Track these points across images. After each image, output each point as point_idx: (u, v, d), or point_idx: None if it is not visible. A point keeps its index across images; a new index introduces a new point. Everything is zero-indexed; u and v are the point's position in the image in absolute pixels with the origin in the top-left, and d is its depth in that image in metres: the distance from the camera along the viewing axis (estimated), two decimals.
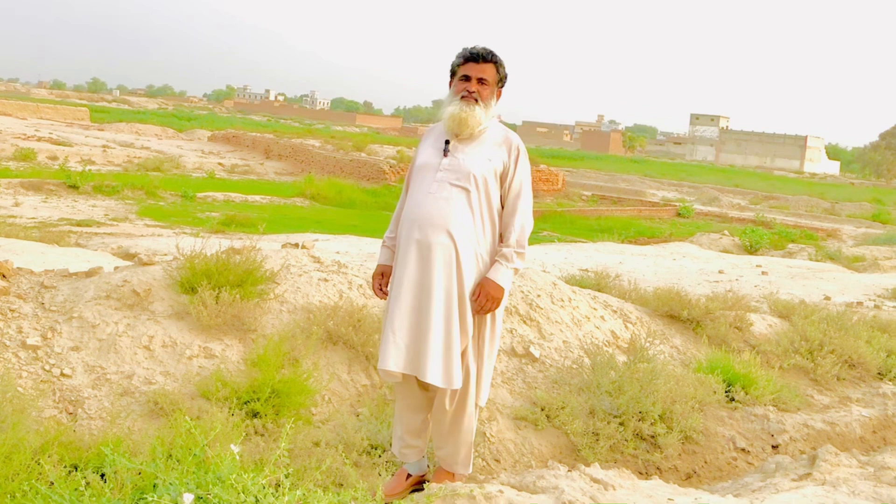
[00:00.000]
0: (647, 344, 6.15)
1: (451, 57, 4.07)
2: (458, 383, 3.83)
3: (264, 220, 14.83)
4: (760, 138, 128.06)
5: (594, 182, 47.89)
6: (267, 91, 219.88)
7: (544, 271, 8.38)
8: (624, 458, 5.27)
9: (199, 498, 2.68)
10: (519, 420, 5.39)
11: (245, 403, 4.74)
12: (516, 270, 3.95)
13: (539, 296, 6.76)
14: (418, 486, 4.14)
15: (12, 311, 5.23)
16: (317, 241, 11.96)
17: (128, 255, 12.43)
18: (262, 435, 4.59)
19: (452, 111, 3.90)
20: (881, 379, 7.21)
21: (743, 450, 5.76)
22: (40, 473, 3.31)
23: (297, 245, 7.23)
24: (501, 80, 4.05)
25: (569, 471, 3.83)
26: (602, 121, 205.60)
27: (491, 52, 3.98)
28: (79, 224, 18.22)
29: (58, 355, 4.97)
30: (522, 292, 6.71)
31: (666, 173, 63.64)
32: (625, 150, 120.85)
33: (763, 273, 15.16)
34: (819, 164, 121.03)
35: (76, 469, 3.47)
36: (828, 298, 11.41)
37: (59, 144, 35.25)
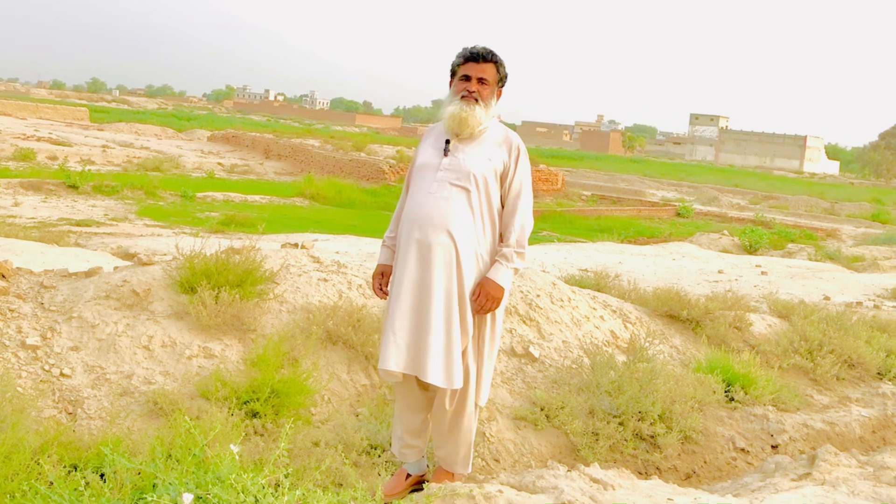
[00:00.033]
0: (647, 344, 6.15)
1: (450, 57, 4.07)
2: (458, 383, 3.83)
3: (264, 220, 14.82)
4: (760, 138, 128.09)
5: (594, 182, 47.89)
6: (266, 91, 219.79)
7: (544, 271, 8.39)
8: (623, 458, 5.27)
9: (198, 498, 2.68)
10: (518, 420, 5.39)
11: (244, 403, 4.74)
12: (516, 270, 3.95)
13: (538, 296, 6.76)
14: (418, 486, 4.13)
15: (12, 310, 5.23)
16: (316, 241, 11.97)
17: (127, 255, 12.43)
18: (262, 435, 4.59)
19: (452, 111, 3.90)
20: (881, 379, 7.21)
21: (742, 450, 5.76)
22: (40, 473, 3.31)
23: (296, 245, 7.23)
24: (502, 80, 4.05)
25: (568, 471, 3.83)
26: (601, 121, 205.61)
27: (491, 51, 3.98)
28: (78, 224, 18.22)
29: (57, 355, 4.97)
30: (522, 292, 6.71)
31: (665, 173, 63.64)
32: (624, 150, 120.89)
33: (762, 273, 15.17)
34: (818, 164, 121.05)
35: (76, 469, 3.47)
36: (827, 298, 11.41)
37: (59, 144, 35.25)
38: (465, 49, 4.00)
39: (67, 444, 3.72)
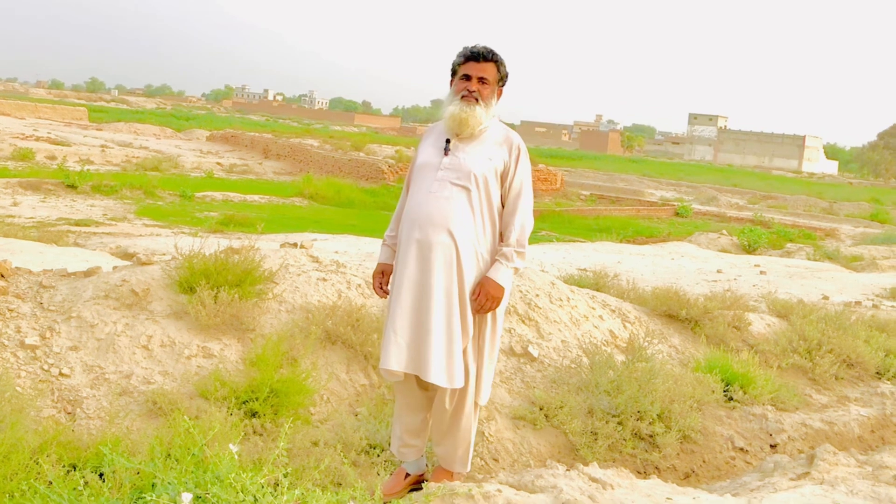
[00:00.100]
0: (646, 343, 6.16)
1: (449, 57, 4.07)
2: (459, 382, 3.83)
3: (263, 220, 14.85)
4: (759, 138, 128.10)
5: (592, 182, 47.91)
6: (265, 91, 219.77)
7: (543, 271, 8.39)
8: (622, 458, 5.28)
9: (197, 497, 2.68)
10: (517, 419, 5.40)
11: (244, 403, 4.74)
12: (516, 270, 3.96)
13: (538, 295, 6.76)
14: (417, 485, 4.14)
15: (11, 310, 5.23)
16: (315, 240, 11.97)
17: (126, 255, 12.43)
18: (261, 434, 4.59)
19: (453, 111, 3.90)
20: (879, 378, 7.22)
21: (741, 449, 5.77)
22: (39, 473, 3.31)
23: (295, 245, 7.23)
24: (502, 79, 4.05)
25: (567, 470, 3.84)
26: (600, 121, 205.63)
27: (491, 50, 3.98)
28: (77, 224, 18.22)
29: (56, 355, 4.96)
30: (521, 292, 6.71)
31: (664, 173, 63.66)
32: (623, 149, 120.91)
33: (761, 272, 15.18)
34: (817, 164, 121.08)
35: (75, 469, 3.47)
36: (826, 298, 11.42)
37: (58, 144, 35.24)
38: (465, 48, 4.00)
39: (66, 443, 3.72)
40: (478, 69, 3.95)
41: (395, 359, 3.82)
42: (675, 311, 7.42)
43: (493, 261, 3.92)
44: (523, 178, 3.98)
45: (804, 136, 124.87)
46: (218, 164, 37.03)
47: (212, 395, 4.71)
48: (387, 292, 4.09)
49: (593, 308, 7.07)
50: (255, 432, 4.59)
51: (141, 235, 16.90)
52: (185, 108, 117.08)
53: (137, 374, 4.98)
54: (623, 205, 36.23)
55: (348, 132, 76.91)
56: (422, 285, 3.82)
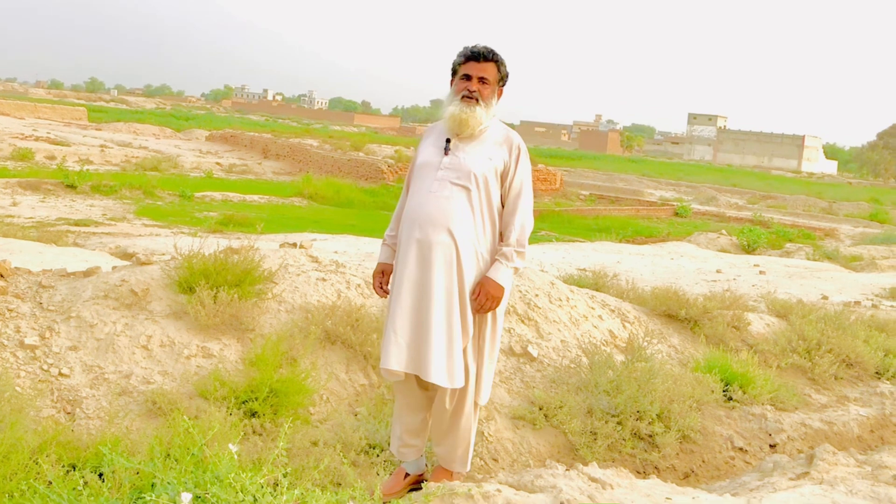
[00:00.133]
0: (645, 343, 6.16)
1: (449, 57, 4.07)
2: (459, 382, 3.83)
3: (262, 220, 14.84)
4: (758, 138, 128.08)
5: (592, 182, 47.92)
6: (265, 91, 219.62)
7: (542, 271, 8.39)
8: (622, 458, 5.28)
9: (197, 497, 2.68)
10: (517, 419, 5.40)
11: (243, 403, 4.74)
12: (516, 269, 3.96)
13: (537, 295, 6.76)
14: (416, 485, 4.14)
15: (10, 310, 5.23)
16: (315, 240, 11.97)
17: (126, 255, 12.43)
18: (261, 434, 4.59)
19: (453, 111, 3.90)
20: (879, 378, 7.22)
21: (741, 449, 5.77)
22: (38, 473, 3.31)
23: (295, 245, 7.23)
24: (503, 79, 4.05)
25: (567, 470, 3.84)
26: (600, 120, 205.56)
27: (492, 50, 3.98)
28: (76, 224, 18.21)
29: (56, 355, 4.96)
30: (520, 292, 6.72)
31: (664, 173, 63.67)
32: (622, 149, 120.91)
33: (761, 272, 15.19)
34: (817, 164, 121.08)
35: (74, 468, 3.47)
36: (825, 298, 11.43)
37: (57, 144, 35.24)
38: (465, 48, 4.00)
39: (66, 443, 3.72)
40: (478, 69, 3.95)
41: (395, 359, 3.82)
42: (674, 311, 7.42)
43: (493, 260, 3.92)
44: (523, 178, 3.98)
45: (803, 136, 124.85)
46: (217, 164, 37.03)
47: (211, 395, 4.71)
48: (387, 292, 4.10)
49: (593, 308, 7.07)
50: (254, 432, 4.59)
51: (140, 235, 16.90)
52: (184, 108, 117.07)
53: (137, 374, 4.98)
54: (622, 205, 36.23)
55: (348, 132, 76.89)
56: (422, 285, 3.82)
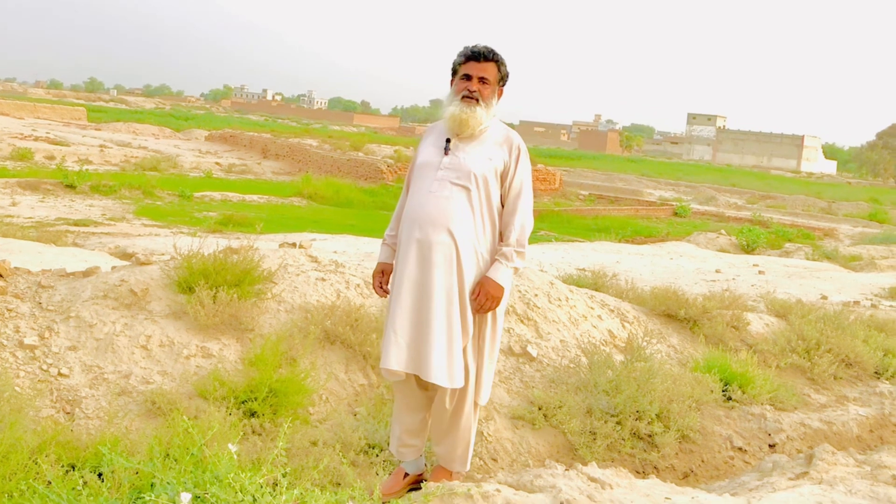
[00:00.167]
0: (644, 343, 6.16)
1: (448, 56, 4.07)
2: (459, 382, 3.83)
3: (261, 220, 14.85)
4: (757, 138, 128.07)
5: (591, 181, 47.93)
6: (264, 91, 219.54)
7: (541, 270, 8.40)
8: (621, 458, 5.28)
9: (196, 497, 2.68)
10: (516, 419, 5.40)
11: (242, 403, 4.74)
12: (516, 269, 3.96)
13: (536, 295, 6.77)
14: (416, 485, 4.14)
15: (9, 310, 5.23)
16: (314, 240, 11.97)
17: (125, 255, 12.42)
18: (260, 434, 4.59)
19: (453, 111, 3.90)
20: (878, 378, 7.22)
21: (740, 449, 5.77)
22: (38, 473, 3.31)
23: (294, 245, 7.22)
24: (503, 79, 4.05)
25: (566, 470, 3.84)
26: (599, 120, 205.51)
27: (492, 50, 3.98)
28: (76, 224, 18.21)
29: (55, 355, 4.96)
30: (520, 291, 6.72)
31: (663, 173, 63.67)
32: (622, 149, 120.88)
33: (760, 272, 15.19)
34: (816, 164, 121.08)
35: (74, 468, 3.47)
36: (825, 298, 11.43)
37: (57, 144, 35.24)
38: (466, 48, 4.00)
39: (65, 443, 3.72)
40: (478, 69, 3.94)
41: (395, 358, 3.82)
42: (673, 311, 7.43)
43: (492, 260, 3.92)
44: (523, 178, 3.98)
45: (803, 136, 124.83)
46: (217, 163, 37.03)
47: (210, 395, 4.71)
48: (387, 291, 4.10)
49: (592, 308, 7.07)
50: (253, 432, 4.59)
51: (139, 235, 16.90)
52: (183, 108, 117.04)
53: (136, 373, 4.98)
54: (622, 205, 36.24)
55: (347, 132, 76.88)
56: (422, 285, 3.82)
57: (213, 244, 6.16)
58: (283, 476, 2.89)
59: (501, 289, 3.86)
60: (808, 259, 20.30)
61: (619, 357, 6.23)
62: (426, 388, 4.04)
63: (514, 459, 5.12)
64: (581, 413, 5.45)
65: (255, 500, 2.69)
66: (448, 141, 3.95)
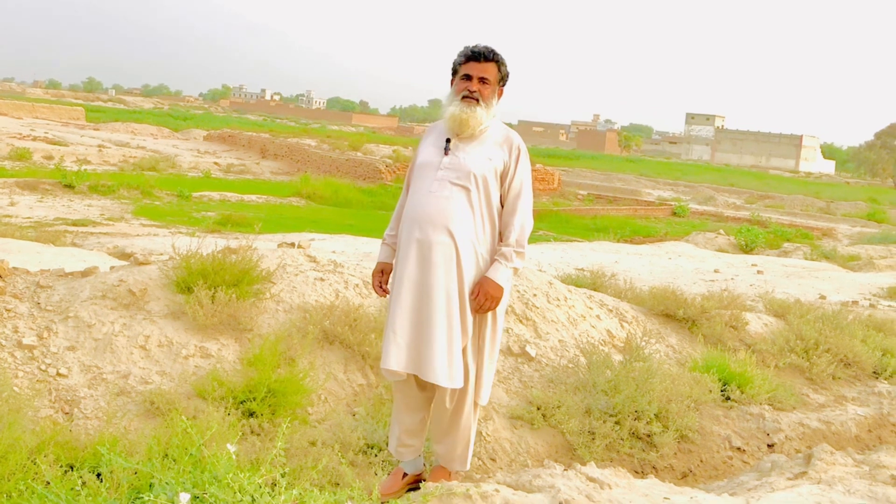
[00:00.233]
0: (643, 343, 6.16)
1: (448, 57, 4.07)
2: (459, 382, 3.83)
3: (260, 220, 14.85)
4: (756, 137, 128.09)
5: (590, 181, 47.95)
6: (263, 90, 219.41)
7: (540, 270, 8.40)
8: (620, 457, 5.28)
9: (195, 497, 2.68)
10: (515, 419, 5.40)
11: (241, 403, 4.74)
12: (516, 270, 3.96)
13: (535, 295, 6.77)
14: (415, 485, 4.14)
15: (8, 310, 5.23)
16: (313, 240, 11.97)
17: (124, 255, 12.42)
18: (259, 434, 4.59)
19: (453, 112, 3.90)
20: (876, 378, 7.23)
21: (738, 449, 5.77)
22: (36, 473, 3.31)
23: (293, 245, 7.22)
24: (503, 79, 4.05)
25: (565, 470, 3.84)
26: (598, 120, 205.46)
27: (492, 50, 3.98)
28: (74, 224, 18.20)
29: (54, 355, 4.96)
30: (519, 291, 6.72)
31: (661, 172, 63.70)
32: (620, 149, 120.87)
33: (759, 272, 15.20)
34: (814, 164, 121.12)
35: (72, 469, 3.47)
36: (823, 297, 11.44)
37: (55, 144, 35.21)
38: (466, 48, 4.00)
39: (64, 443, 3.72)
40: (479, 69, 3.94)
41: (395, 358, 3.82)
42: (672, 311, 7.43)
43: (492, 260, 3.92)
44: (523, 179, 3.98)
45: (801, 136, 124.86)
46: (215, 163, 37.01)
47: (209, 395, 4.71)
48: (386, 291, 4.10)
49: (591, 308, 7.08)
50: (252, 432, 4.59)
51: (138, 235, 16.90)
52: (182, 108, 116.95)
53: (135, 374, 4.98)
54: (620, 204, 36.26)
55: (346, 132, 76.81)
56: (422, 285, 3.82)
57: (211, 244, 6.16)
58: (282, 476, 2.89)
59: (501, 289, 3.86)
60: (806, 259, 20.31)
61: (617, 357, 6.23)
62: (425, 389, 4.04)
63: (513, 459, 5.12)
64: (580, 413, 5.45)
65: (253, 500, 2.68)
66: (448, 141, 3.95)
